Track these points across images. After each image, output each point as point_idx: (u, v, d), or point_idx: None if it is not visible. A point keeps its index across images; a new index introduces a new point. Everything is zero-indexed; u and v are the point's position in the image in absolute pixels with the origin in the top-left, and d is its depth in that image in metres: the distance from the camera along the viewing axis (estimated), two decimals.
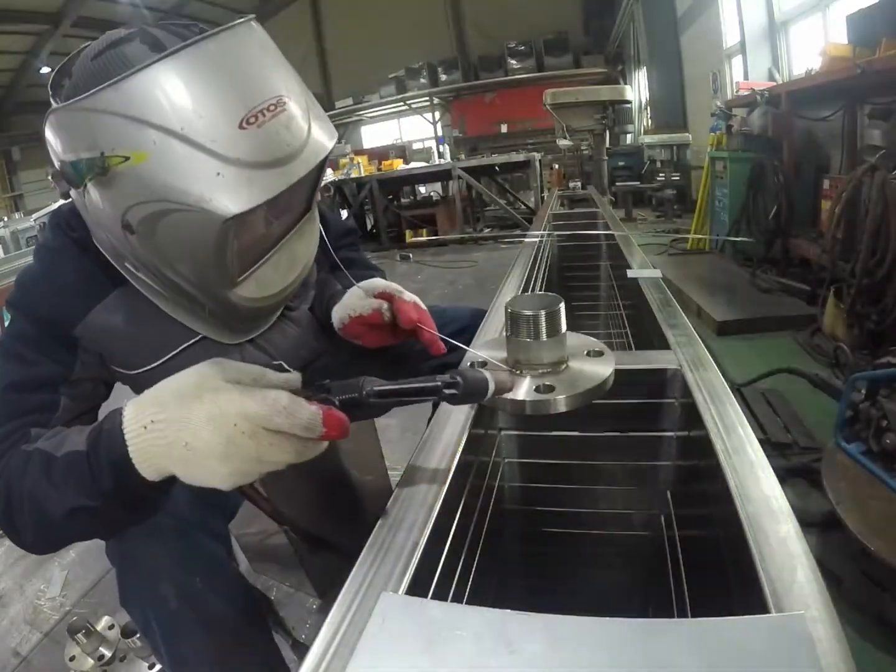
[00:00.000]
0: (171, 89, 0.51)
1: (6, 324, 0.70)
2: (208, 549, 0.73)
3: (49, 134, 0.57)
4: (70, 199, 0.64)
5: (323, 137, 0.60)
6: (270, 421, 0.42)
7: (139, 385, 0.76)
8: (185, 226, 0.54)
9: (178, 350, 0.74)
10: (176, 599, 0.66)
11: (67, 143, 0.56)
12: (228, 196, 0.52)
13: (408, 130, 11.28)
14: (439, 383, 0.48)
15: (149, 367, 0.73)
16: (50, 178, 0.58)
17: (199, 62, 0.53)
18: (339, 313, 0.81)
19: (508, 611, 0.32)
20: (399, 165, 6.99)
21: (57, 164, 0.57)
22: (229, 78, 0.54)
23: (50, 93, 0.59)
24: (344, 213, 6.58)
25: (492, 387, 0.50)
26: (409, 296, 0.78)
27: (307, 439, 0.44)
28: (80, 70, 0.58)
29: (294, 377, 0.48)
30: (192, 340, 0.74)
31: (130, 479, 0.47)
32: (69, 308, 0.68)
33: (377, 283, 0.81)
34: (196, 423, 0.43)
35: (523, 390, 0.54)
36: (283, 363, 0.51)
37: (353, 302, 0.79)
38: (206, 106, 0.52)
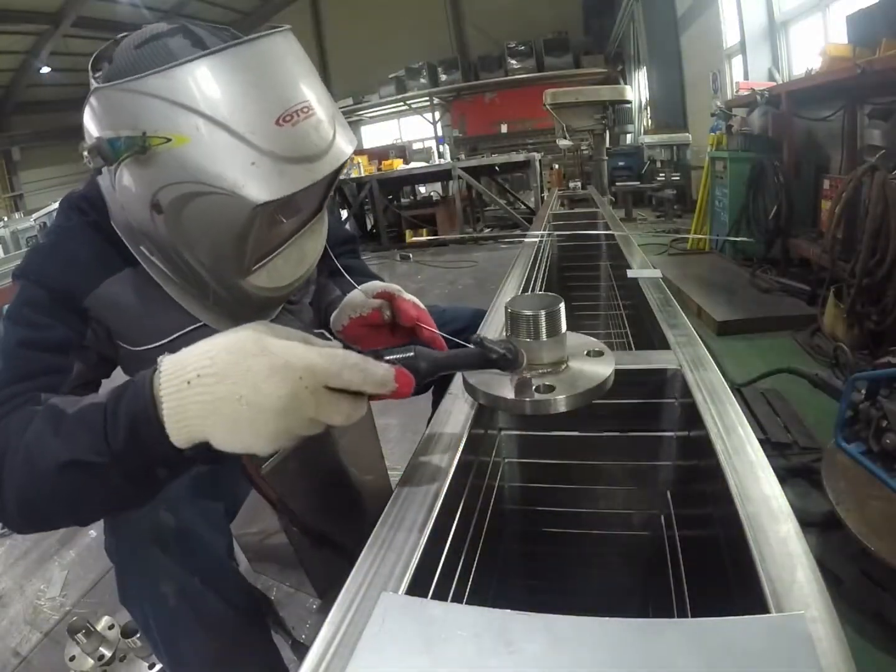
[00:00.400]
0: (218, 82, 0.55)
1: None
2: (209, 548, 0.73)
3: (89, 111, 0.60)
4: (80, 187, 0.67)
5: (344, 143, 0.64)
6: (339, 376, 0.42)
7: (142, 363, 0.76)
8: (216, 209, 0.57)
9: (182, 332, 0.74)
10: (175, 598, 0.67)
11: (108, 121, 0.58)
12: (260, 185, 0.55)
13: (408, 130, 11.27)
14: (504, 352, 0.52)
15: (153, 346, 0.73)
16: (85, 153, 0.59)
17: (242, 61, 0.56)
18: (339, 315, 0.82)
19: (508, 611, 0.32)
20: (399, 165, 6.98)
21: (92, 141, 0.59)
22: (269, 79, 0.58)
23: (90, 73, 0.62)
24: (344, 213, 6.58)
25: (525, 357, 0.53)
26: (408, 295, 0.80)
27: (357, 403, 0.45)
28: (123, 56, 0.61)
29: (335, 344, 0.48)
30: (196, 325, 0.75)
31: (150, 440, 0.45)
32: (80, 278, 0.69)
33: (376, 284, 0.83)
34: (257, 374, 0.41)
35: (523, 390, 0.54)
36: (324, 332, 0.51)
37: (353, 303, 0.81)
38: (247, 101, 0.56)
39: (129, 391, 0.47)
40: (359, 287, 0.83)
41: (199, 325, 0.75)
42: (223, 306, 0.74)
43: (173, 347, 0.69)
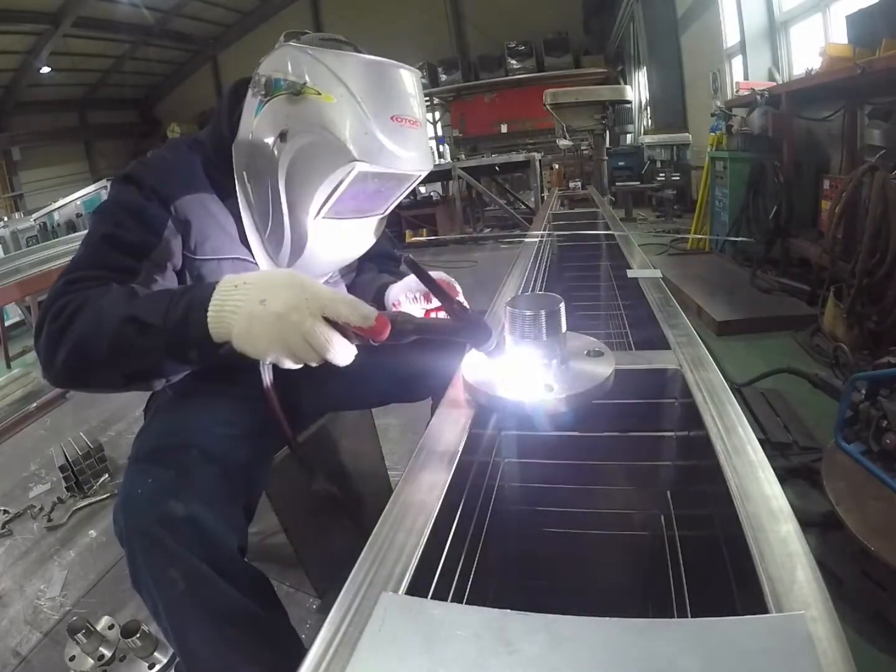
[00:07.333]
0: (366, 75, 0.77)
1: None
2: (218, 536, 0.73)
3: (272, 58, 0.81)
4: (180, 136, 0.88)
5: (427, 161, 0.84)
6: (337, 305, 0.58)
7: (193, 269, 0.87)
8: (324, 150, 0.76)
9: (228, 257, 0.88)
10: (184, 583, 0.68)
11: (283, 68, 0.78)
12: (362, 150, 0.75)
13: None
14: (471, 317, 0.59)
15: (206, 258, 0.86)
16: (254, 82, 0.81)
17: (387, 72, 0.78)
18: (395, 290, 0.97)
19: (508, 611, 0.32)
20: None
21: (263, 77, 0.79)
22: (398, 90, 0.79)
23: (283, 40, 0.83)
24: None
25: (495, 337, 0.59)
26: (458, 288, 0.93)
27: (345, 344, 0.58)
28: (310, 39, 0.82)
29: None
30: (239, 256, 0.90)
31: (196, 323, 0.61)
32: (175, 184, 0.82)
33: (434, 273, 0.94)
34: (278, 286, 0.59)
35: (523, 390, 0.54)
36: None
37: (409, 285, 0.96)
38: (379, 95, 0.77)
39: (197, 286, 0.66)
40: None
41: (242, 256, 0.90)
42: (274, 247, 0.88)
43: (220, 265, 0.89)
